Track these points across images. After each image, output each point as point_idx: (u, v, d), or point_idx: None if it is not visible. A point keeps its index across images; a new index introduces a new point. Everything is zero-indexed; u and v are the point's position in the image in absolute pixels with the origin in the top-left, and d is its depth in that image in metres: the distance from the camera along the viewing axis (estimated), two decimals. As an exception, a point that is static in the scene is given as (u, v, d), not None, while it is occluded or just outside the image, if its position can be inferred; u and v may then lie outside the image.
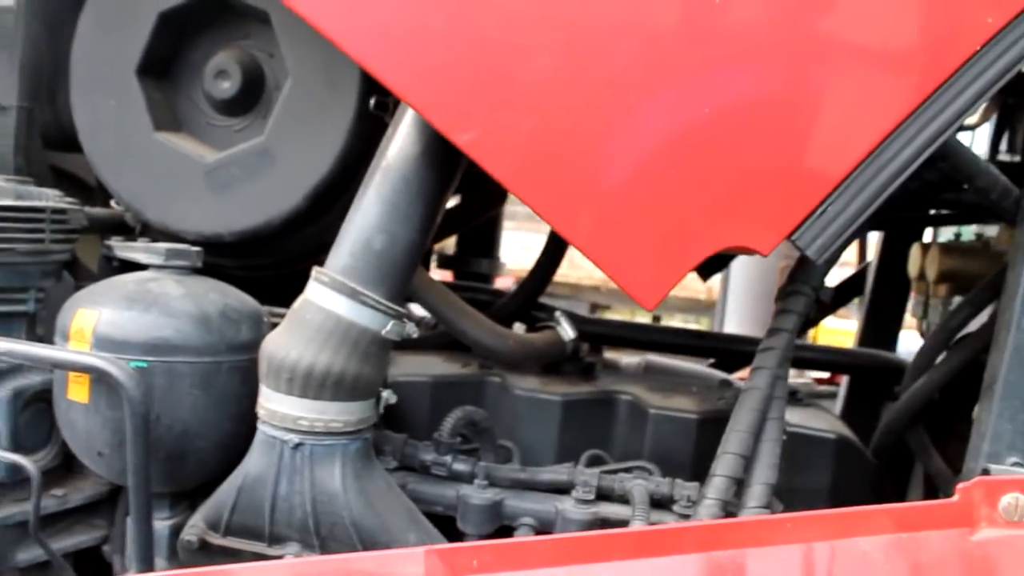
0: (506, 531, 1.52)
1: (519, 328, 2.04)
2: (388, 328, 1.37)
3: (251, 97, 1.64)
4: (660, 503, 1.48)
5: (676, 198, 1.28)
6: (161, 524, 1.50)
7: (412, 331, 1.41)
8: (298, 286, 1.68)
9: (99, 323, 1.39)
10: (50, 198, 1.54)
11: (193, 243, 1.58)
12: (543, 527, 1.50)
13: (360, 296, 1.35)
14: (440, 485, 1.53)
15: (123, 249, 1.58)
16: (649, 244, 1.29)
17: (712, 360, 2.23)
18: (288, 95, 1.57)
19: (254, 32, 1.63)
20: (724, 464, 1.37)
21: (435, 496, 1.52)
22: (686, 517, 1.45)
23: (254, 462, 1.39)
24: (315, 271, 1.38)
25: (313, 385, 1.34)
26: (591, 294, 6.54)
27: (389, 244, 1.37)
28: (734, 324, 4.47)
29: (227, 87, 1.62)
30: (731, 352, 2.22)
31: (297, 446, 1.37)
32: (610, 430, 1.65)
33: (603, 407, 1.65)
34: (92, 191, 2.00)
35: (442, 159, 1.38)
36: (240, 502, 1.40)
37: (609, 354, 1.97)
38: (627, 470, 1.54)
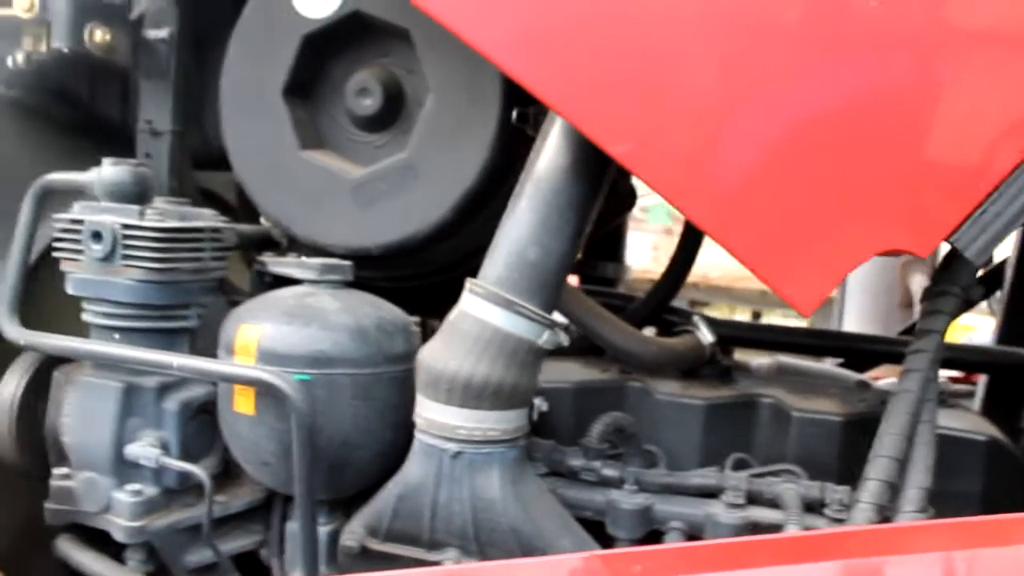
0: (655, 535, 1.53)
1: (649, 332, 2.04)
2: (544, 338, 1.40)
3: (392, 113, 1.68)
4: (811, 507, 1.48)
5: (834, 203, 1.28)
6: (321, 530, 1.56)
7: (564, 339, 1.44)
8: (438, 295, 1.72)
9: (263, 338, 1.45)
10: (207, 218, 1.61)
11: (341, 257, 1.64)
12: (692, 531, 1.50)
13: (516, 307, 1.38)
14: (589, 490, 1.55)
15: (276, 264, 1.64)
16: (807, 250, 1.29)
17: (841, 360, 2.20)
18: (430, 111, 1.61)
19: (393, 49, 1.68)
20: (878, 468, 1.36)
21: (584, 501, 1.54)
22: (839, 521, 1.45)
23: (414, 470, 1.44)
24: (470, 283, 1.42)
25: (472, 395, 1.38)
26: (690, 291, 6.50)
27: (543, 255, 1.40)
28: (852, 321, 4.38)
29: (369, 104, 1.67)
30: (861, 352, 2.19)
31: (457, 455, 1.40)
32: (752, 433, 1.65)
33: (744, 410, 1.65)
34: (232, 209, 2.08)
35: (592, 169, 1.40)
36: (400, 509, 1.45)
37: (738, 355, 1.96)
38: (774, 473, 1.54)
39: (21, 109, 1.90)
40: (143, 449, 1.51)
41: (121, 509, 1.53)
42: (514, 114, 1.57)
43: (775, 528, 1.45)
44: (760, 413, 1.65)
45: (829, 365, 2.04)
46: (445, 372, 1.39)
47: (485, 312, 1.39)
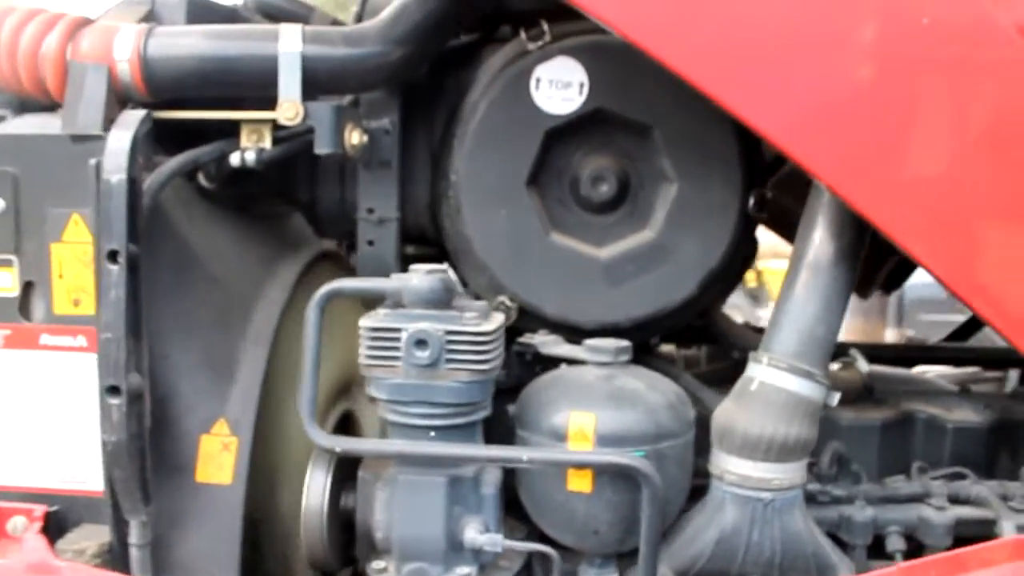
0: (877, 539, 1.89)
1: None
2: (833, 400, 1.70)
3: (620, 197, 1.87)
4: (999, 503, 1.90)
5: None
6: (614, 577, 1.77)
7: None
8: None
9: (599, 424, 1.63)
10: (491, 311, 1.72)
11: (591, 332, 1.82)
12: (908, 532, 1.88)
13: (814, 377, 1.67)
14: (824, 509, 1.87)
15: (548, 346, 1.79)
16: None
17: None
18: (675, 197, 1.81)
19: (616, 139, 1.85)
20: None
21: (820, 518, 1.85)
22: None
23: (729, 517, 1.70)
24: (767, 357, 1.68)
25: (786, 452, 1.67)
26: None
27: (827, 332, 1.69)
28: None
29: (605, 191, 1.84)
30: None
31: (770, 501, 1.68)
32: (912, 443, 2.05)
33: (906, 425, 2.05)
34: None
35: (858, 252, 1.70)
36: (716, 552, 1.71)
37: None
38: (954, 476, 1.95)
39: (220, 200, 1.86)
40: (487, 537, 1.63)
41: (454, 591, 1.65)
42: (751, 201, 1.83)
43: (982, 522, 1.85)
44: (917, 426, 2.06)
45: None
46: (763, 437, 1.65)
47: (788, 383, 1.67)
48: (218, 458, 1.73)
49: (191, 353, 1.74)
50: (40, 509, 1.67)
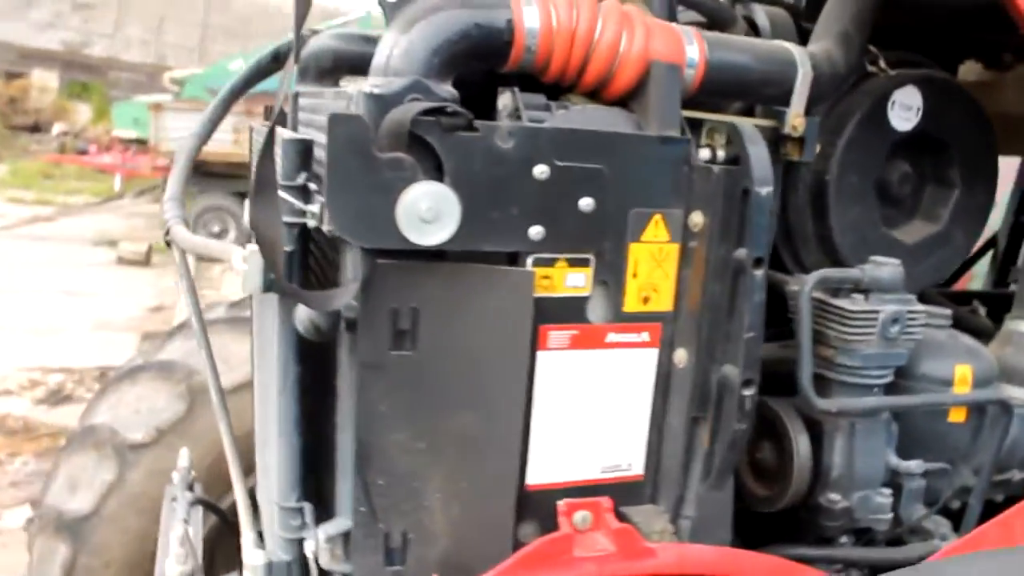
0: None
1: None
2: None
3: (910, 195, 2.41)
4: None
5: None
6: (923, 482, 2.37)
7: None
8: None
9: (974, 373, 2.20)
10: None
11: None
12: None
13: (1072, 327, 2.41)
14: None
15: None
16: None
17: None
18: (959, 198, 2.39)
19: (921, 151, 2.35)
20: None
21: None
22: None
23: (1015, 430, 2.36)
24: (1033, 312, 2.38)
25: (1051, 380, 2.40)
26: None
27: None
28: None
29: (907, 190, 2.37)
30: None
31: None
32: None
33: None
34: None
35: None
36: (1004, 451, 2.38)
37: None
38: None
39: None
40: (916, 462, 2.15)
41: (885, 508, 2.14)
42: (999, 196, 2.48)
43: None
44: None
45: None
46: (1035, 368, 2.36)
47: (1058, 331, 2.39)
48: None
49: None
50: (607, 501, 1.76)
